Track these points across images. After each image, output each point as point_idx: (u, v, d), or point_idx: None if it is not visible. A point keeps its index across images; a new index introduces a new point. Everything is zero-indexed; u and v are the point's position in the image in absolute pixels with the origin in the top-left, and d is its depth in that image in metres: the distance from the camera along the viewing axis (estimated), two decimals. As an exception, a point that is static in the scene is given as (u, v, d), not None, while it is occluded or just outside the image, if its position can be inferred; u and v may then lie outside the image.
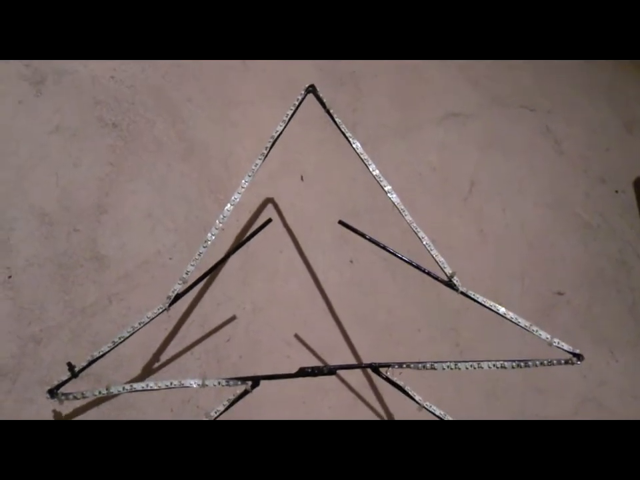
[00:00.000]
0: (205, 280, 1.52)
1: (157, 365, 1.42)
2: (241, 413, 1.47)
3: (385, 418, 1.59)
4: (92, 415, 1.33)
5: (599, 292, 2.07)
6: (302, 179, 1.76)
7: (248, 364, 1.51)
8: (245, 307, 1.56)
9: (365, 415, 1.59)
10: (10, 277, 1.32)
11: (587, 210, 2.21)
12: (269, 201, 1.69)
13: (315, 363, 1.57)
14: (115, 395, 1.37)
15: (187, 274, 1.25)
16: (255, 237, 1.31)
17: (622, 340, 2.01)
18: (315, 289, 1.67)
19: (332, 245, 1.73)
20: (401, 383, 1.20)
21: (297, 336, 1.60)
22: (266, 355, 1.54)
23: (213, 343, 1.49)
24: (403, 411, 1.61)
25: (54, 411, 1.29)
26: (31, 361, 1.29)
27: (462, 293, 1.28)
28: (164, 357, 1.43)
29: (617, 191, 2.32)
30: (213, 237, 1.26)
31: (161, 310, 1.23)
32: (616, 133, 2.49)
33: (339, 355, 1.62)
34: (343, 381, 1.60)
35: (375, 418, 1.59)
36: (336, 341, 1.64)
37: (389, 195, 1.35)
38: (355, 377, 1.62)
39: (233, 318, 1.54)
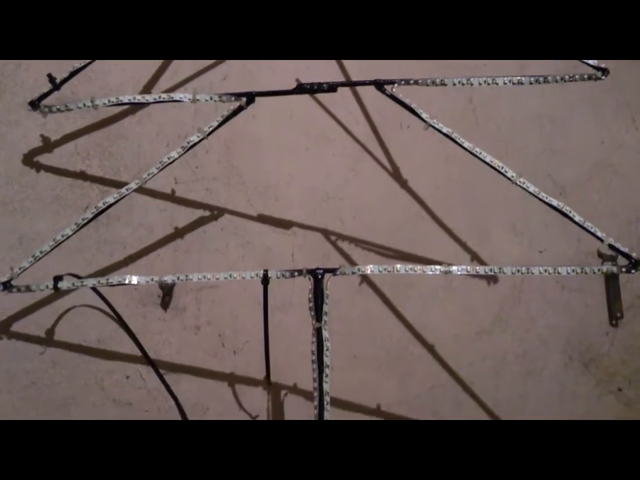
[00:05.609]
0: None
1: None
2: (240, 160, 1.43)
3: (390, 170, 1.53)
4: (82, 144, 1.28)
5: (630, 57, 1.89)
6: None
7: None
8: (242, 46, 1.44)
9: (369, 165, 1.54)
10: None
11: None
12: None
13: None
14: (107, 120, 1.32)
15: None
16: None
17: (646, 107, 1.88)
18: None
19: None
20: (406, 101, 1.12)
21: (298, 81, 1.49)
22: (266, 99, 1.45)
23: (208, 80, 1.40)
24: (409, 160, 1.55)
25: (42, 135, 1.24)
26: (12, 82, 1.22)
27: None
28: (156, 91, 1.35)
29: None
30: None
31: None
32: None
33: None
34: (346, 139, 1.52)
35: (379, 168, 1.53)
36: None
37: None
38: (362, 128, 1.53)
39: (229, 57, 1.43)
